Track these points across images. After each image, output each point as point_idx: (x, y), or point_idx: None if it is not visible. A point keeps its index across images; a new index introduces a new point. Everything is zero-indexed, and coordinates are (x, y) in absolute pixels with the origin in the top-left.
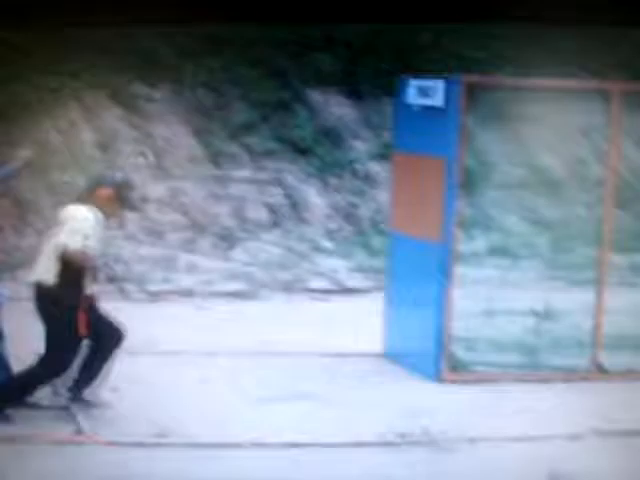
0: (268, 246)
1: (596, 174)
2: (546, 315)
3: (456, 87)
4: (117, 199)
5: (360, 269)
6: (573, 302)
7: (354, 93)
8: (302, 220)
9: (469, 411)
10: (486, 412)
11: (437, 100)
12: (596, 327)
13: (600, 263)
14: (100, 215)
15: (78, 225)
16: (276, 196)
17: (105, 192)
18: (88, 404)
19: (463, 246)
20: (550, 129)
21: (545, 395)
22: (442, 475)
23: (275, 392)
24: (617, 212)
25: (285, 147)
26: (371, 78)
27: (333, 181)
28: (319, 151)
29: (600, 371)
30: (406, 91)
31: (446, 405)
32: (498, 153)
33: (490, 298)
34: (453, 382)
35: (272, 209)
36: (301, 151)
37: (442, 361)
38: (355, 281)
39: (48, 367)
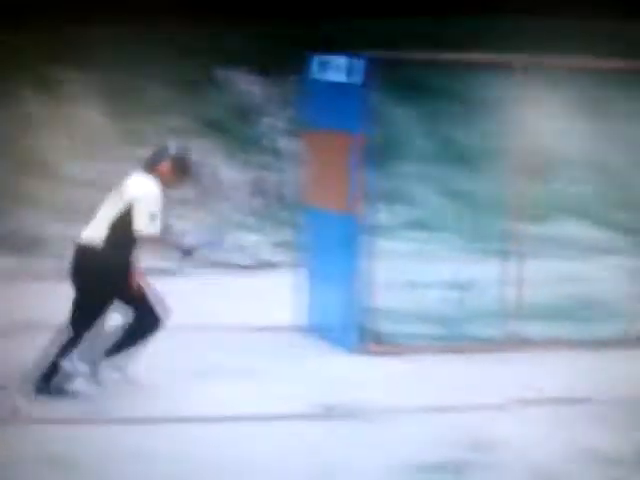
0: (181, 221)
1: (507, 146)
2: (465, 286)
3: (361, 63)
4: (177, 171)
5: (275, 243)
6: (490, 273)
7: (263, 71)
8: (215, 195)
9: (392, 383)
10: (409, 383)
11: (342, 76)
12: (514, 297)
13: (514, 234)
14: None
15: (155, 209)
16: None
17: (165, 165)
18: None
19: (381, 219)
20: (462, 103)
21: (466, 366)
22: (367, 446)
23: (198, 366)
24: (528, 183)
25: (197, 125)
26: (280, 56)
27: (244, 157)
28: (231, 128)
29: (519, 341)
30: (313, 68)
31: (369, 377)
32: (412, 127)
33: (410, 270)
34: (376, 354)
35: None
36: (214, 128)
37: (360, 333)
38: (271, 255)
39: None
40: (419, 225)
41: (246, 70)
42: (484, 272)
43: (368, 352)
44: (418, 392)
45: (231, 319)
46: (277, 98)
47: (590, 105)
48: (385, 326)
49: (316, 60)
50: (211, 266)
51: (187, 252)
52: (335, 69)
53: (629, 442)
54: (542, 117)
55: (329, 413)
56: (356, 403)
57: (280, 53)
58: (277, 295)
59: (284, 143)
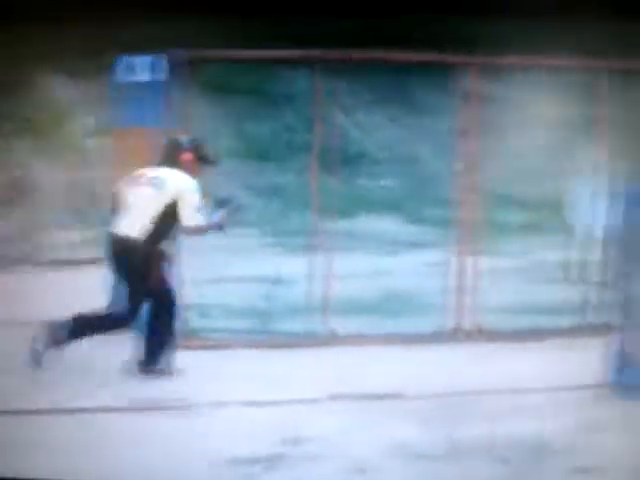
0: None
1: (313, 141)
2: (274, 281)
3: (163, 61)
4: (197, 160)
5: (88, 240)
6: (299, 268)
7: (76, 72)
8: (33, 196)
9: (205, 377)
10: (221, 378)
11: (147, 75)
12: (323, 292)
13: (322, 229)
14: None
15: (198, 200)
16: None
17: (187, 156)
18: (162, 372)
19: None
20: (268, 99)
21: (280, 360)
22: (181, 441)
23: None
24: (335, 178)
25: (12, 126)
26: (91, 57)
27: (58, 157)
28: (45, 129)
29: (329, 335)
30: (122, 68)
31: (181, 371)
32: (218, 124)
33: (220, 266)
34: (188, 349)
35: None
36: (28, 129)
37: None
38: (84, 252)
39: (119, 316)
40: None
41: (60, 71)
42: (293, 267)
43: (180, 347)
44: (231, 386)
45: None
46: (89, 99)
47: (397, 99)
48: (196, 321)
49: (124, 60)
50: (21, 263)
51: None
52: (141, 69)
53: (440, 437)
54: (348, 111)
55: (143, 406)
56: (168, 396)
57: (92, 54)
58: (84, 290)
59: (95, 142)
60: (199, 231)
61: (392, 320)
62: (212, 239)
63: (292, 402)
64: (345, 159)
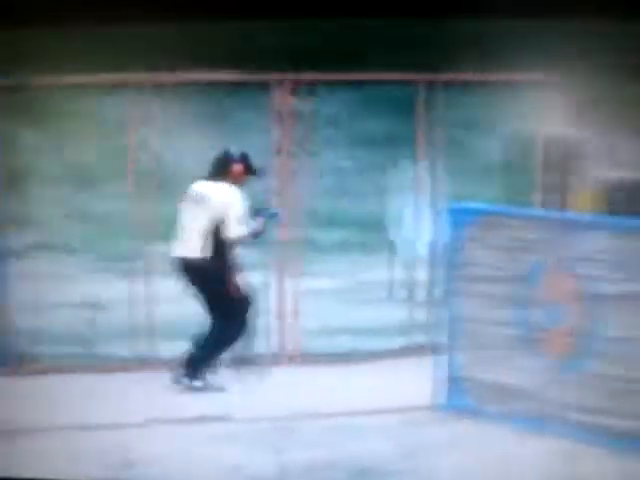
0: None
1: (132, 165)
2: (99, 306)
3: None
4: (247, 170)
5: None
6: (121, 292)
7: None
8: None
9: (38, 402)
10: (54, 402)
11: None
12: (145, 316)
13: (142, 253)
14: None
15: (241, 213)
16: None
17: (238, 167)
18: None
19: (12, 242)
20: (88, 123)
21: (106, 385)
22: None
23: None
24: (154, 201)
25: None
26: None
27: None
28: None
29: (153, 359)
30: None
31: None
32: (40, 150)
33: (44, 292)
34: (17, 374)
35: None
36: None
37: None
38: None
39: (226, 332)
40: (49, 247)
41: None
42: (116, 292)
43: (8, 373)
44: (64, 410)
45: None
46: None
47: (212, 118)
48: (25, 347)
49: None
50: None
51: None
52: None
53: (269, 460)
54: (163, 135)
55: None
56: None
57: None
58: None
59: None
60: (241, 240)
61: None
62: (36, 266)
63: (126, 426)
64: (161, 182)
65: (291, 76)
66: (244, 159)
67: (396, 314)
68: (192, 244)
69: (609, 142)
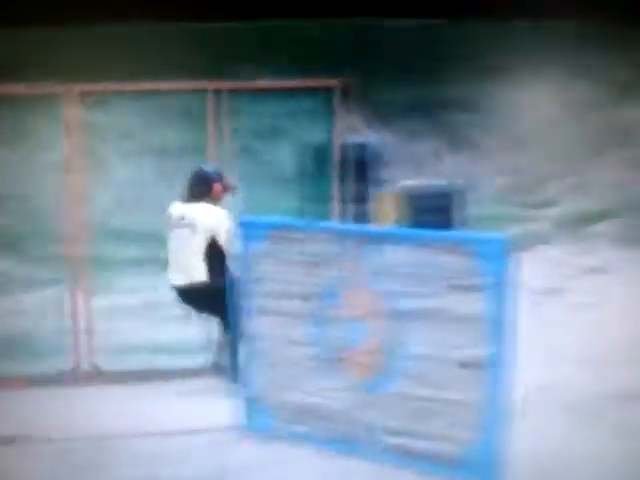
0: None
1: None
2: None
3: None
4: (225, 187)
5: None
6: None
7: None
8: None
9: None
10: None
11: None
12: None
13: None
14: None
15: (231, 228)
16: None
17: (218, 187)
18: None
19: None
20: None
21: None
22: None
23: None
24: None
25: None
26: None
27: None
28: None
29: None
30: None
31: None
32: None
33: None
34: None
35: None
36: None
37: None
38: None
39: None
40: None
41: None
42: None
43: None
44: None
45: None
46: None
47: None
48: None
49: None
50: None
51: None
52: None
53: None
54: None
55: None
56: None
57: None
58: None
59: None
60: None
61: (12, 363)
62: None
63: None
64: None
65: (79, 87)
66: (222, 177)
67: (197, 332)
68: (193, 269)
69: (410, 150)
